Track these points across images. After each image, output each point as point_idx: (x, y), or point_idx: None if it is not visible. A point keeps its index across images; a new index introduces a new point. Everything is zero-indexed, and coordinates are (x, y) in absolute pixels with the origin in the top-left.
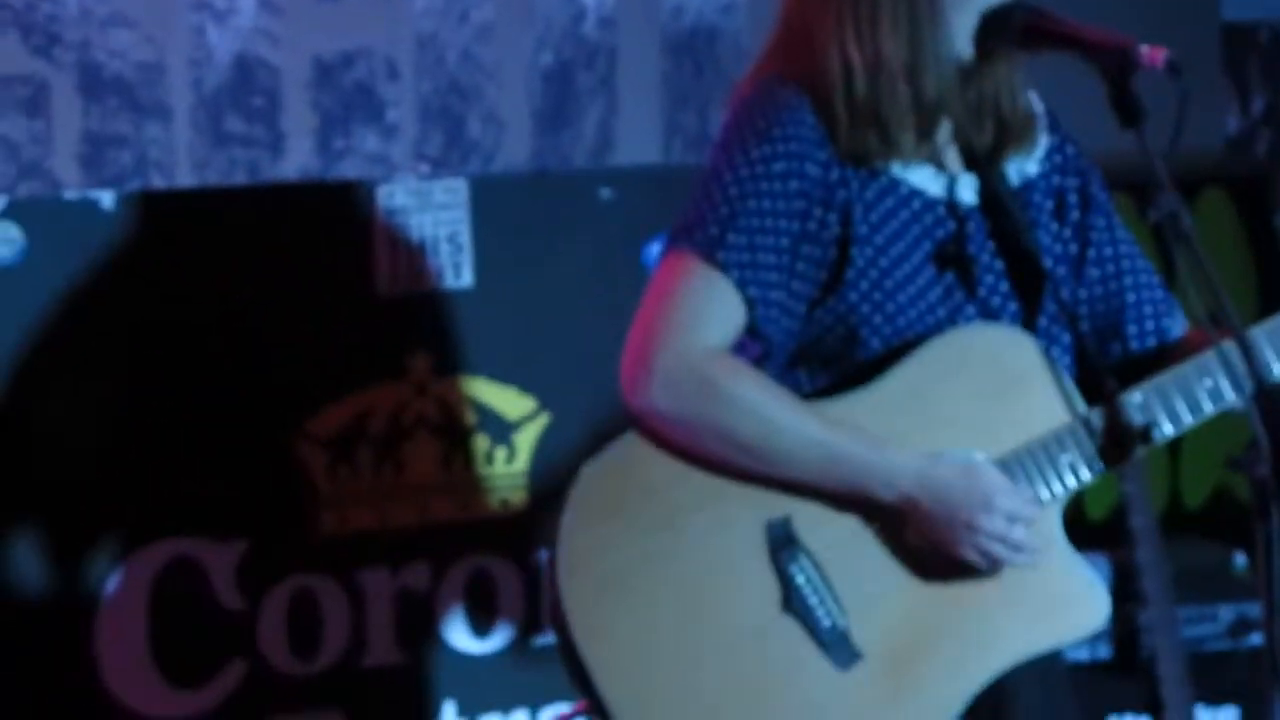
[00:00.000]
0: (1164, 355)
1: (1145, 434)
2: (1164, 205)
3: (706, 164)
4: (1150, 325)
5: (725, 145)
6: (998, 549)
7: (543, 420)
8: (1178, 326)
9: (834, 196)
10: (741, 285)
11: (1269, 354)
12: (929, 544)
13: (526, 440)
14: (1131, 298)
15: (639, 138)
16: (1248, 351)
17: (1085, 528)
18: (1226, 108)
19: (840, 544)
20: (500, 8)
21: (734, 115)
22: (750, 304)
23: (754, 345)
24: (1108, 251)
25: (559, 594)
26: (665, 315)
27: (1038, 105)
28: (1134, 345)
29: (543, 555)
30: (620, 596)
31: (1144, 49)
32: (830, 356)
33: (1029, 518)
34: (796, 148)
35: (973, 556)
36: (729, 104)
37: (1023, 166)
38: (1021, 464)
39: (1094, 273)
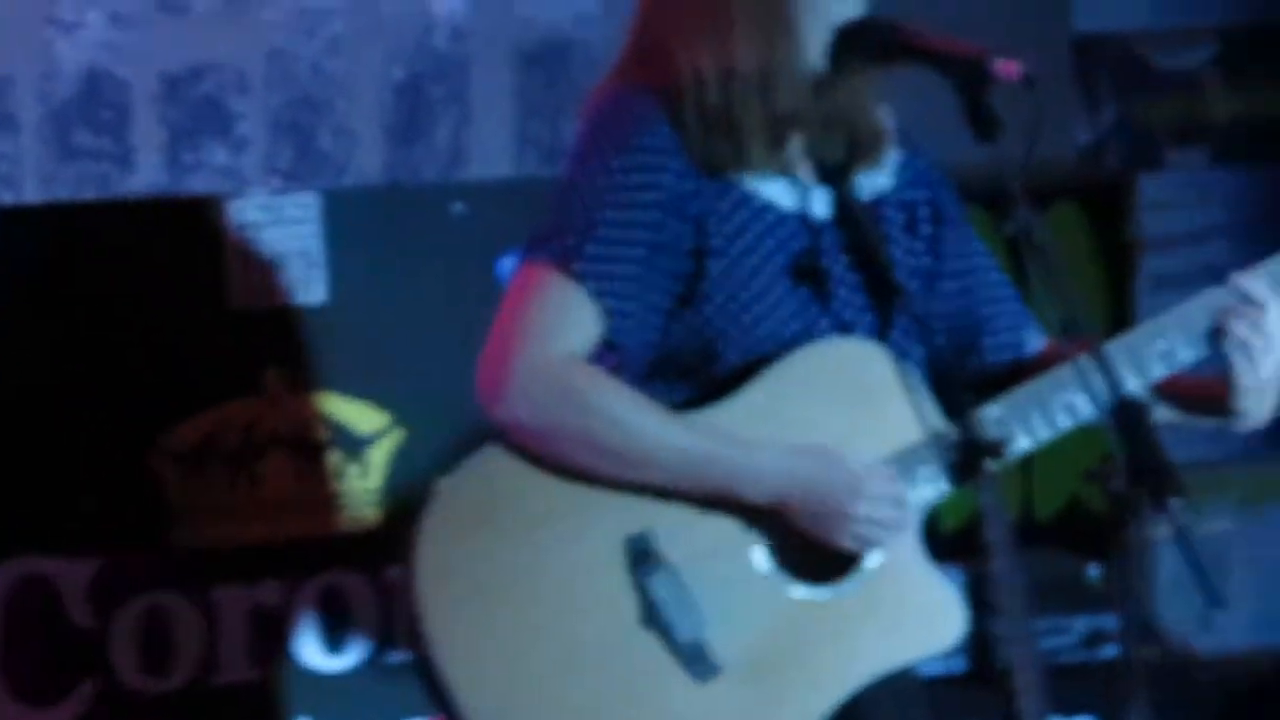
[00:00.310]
0: (1021, 369)
1: (1000, 449)
2: (1019, 219)
3: (562, 175)
4: (1006, 339)
5: (581, 156)
6: (872, 531)
7: (396, 436)
8: (1034, 340)
9: (689, 208)
10: (598, 296)
11: (1124, 368)
12: (802, 538)
13: (380, 456)
14: (986, 311)
15: (491, 150)
16: (1104, 366)
17: (940, 539)
18: (1077, 119)
19: (703, 555)
20: (350, 21)
21: (589, 125)
22: (607, 314)
23: (610, 356)
24: (961, 265)
25: (417, 609)
26: (523, 325)
27: (889, 120)
28: (990, 359)
29: (397, 571)
30: (480, 611)
31: (998, 62)
32: (687, 368)
33: (896, 495)
34: (652, 159)
35: (848, 542)
36: (583, 114)
37: (874, 180)
38: None
39: (948, 287)
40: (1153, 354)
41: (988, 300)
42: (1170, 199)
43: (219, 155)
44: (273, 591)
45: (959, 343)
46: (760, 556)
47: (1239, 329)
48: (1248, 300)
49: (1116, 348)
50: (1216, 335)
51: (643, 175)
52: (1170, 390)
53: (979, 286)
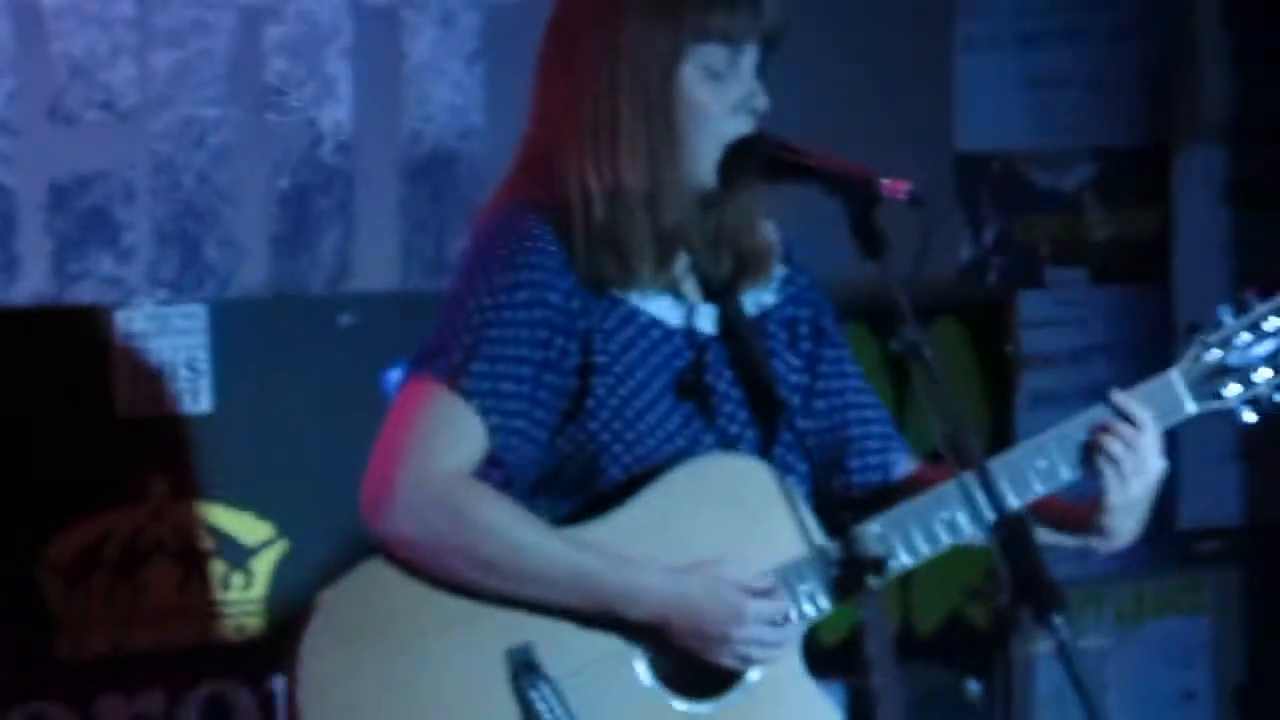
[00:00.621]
0: (887, 491)
1: (880, 565)
2: (906, 336)
3: (449, 289)
4: (874, 460)
5: (469, 271)
6: (755, 651)
7: (280, 546)
8: (902, 464)
9: (575, 325)
10: (484, 413)
11: (1006, 485)
12: (684, 655)
13: (264, 566)
14: (856, 431)
15: (376, 263)
16: (986, 483)
17: (820, 653)
18: (959, 237)
19: (585, 668)
20: (238, 131)
21: (477, 241)
22: (492, 432)
23: (496, 473)
24: (835, 385)
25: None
26: (408, 440)
27: (774, 235)
28: (855, 479)
29: (280, 682)
30: None
31: (886, 181)
32: (572, 484)
33: (779, 615)
34: (540, 276)
35: (730, 662)
36: (471, 229)
37: (759, 296)
38: None
39: (820, 405)
40: (1033, 472)
41: (859, 421)
42: (1050, 317)
43: (105, 265)
44: (156, 701)
45: (828, 461)
46: (642, 670)
47: (1113, 446)
48: (1125, 418)
49: (998, 465)
50: (1090, 451)
51: (530, 292)
52: (1038, 508)
53: (851, 408)
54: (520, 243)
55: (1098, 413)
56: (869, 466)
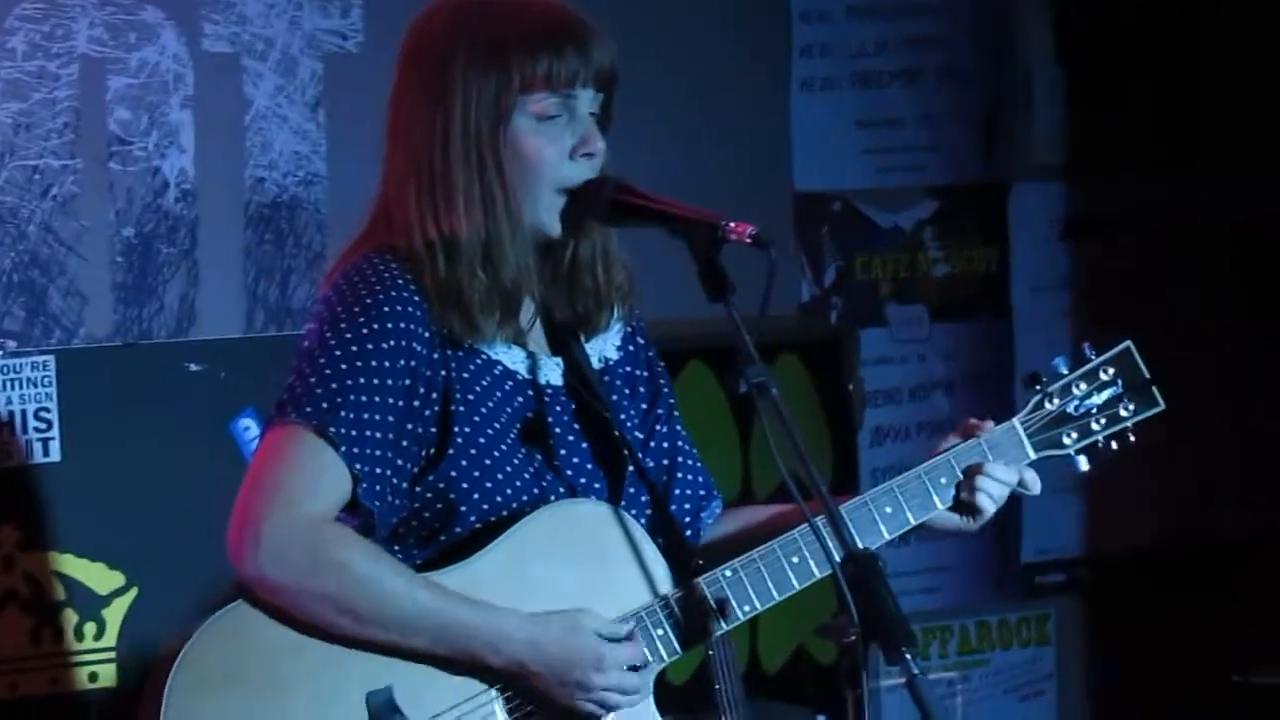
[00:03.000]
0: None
1: (731, 611)
2: (752, 376)
3: (307, 334)
4: (688, 519)
5: (333, 318)
6: (615, 699)
7: (132, 594)
8: (712, 517)
9: (437, 375)
10: (349, 460)
11: (852, 529)
12: (544, 700)
13: (116, 614)
14: (676, 491)
15: (221, 309)
16: (836, 525)
17: (669, 692)
18: (800, 275)
19: (445, 712)
20: (81, 181)
21: (339, 287)
22: (357, 479)
23: (354, 519)
24: (665, 445)
25: None
26: (273, 485)
27: (622, 278)
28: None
29: None
30: None
31: (731, 223)
32: (429, 530)
33: (637, 660)
34: (404, 325)
35: (589, 708)
36: (333, 275)
37: (603, 350)
38: None
39: (649, 463)
40: (880, 515)
41: (680, 483)
42: (890, 353)
43: None
44: None
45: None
46: (501, 715)
47: (990, 486)
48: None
49: (848, 507)
50: (965, 488)
51: (395, 340)
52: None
53: (676, 468)
54: (385, 292)
55: (948, 458)
56: (683, 524)
